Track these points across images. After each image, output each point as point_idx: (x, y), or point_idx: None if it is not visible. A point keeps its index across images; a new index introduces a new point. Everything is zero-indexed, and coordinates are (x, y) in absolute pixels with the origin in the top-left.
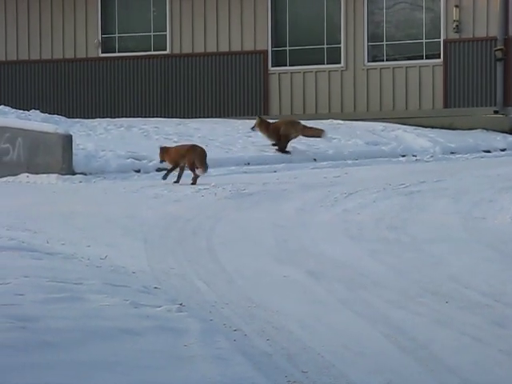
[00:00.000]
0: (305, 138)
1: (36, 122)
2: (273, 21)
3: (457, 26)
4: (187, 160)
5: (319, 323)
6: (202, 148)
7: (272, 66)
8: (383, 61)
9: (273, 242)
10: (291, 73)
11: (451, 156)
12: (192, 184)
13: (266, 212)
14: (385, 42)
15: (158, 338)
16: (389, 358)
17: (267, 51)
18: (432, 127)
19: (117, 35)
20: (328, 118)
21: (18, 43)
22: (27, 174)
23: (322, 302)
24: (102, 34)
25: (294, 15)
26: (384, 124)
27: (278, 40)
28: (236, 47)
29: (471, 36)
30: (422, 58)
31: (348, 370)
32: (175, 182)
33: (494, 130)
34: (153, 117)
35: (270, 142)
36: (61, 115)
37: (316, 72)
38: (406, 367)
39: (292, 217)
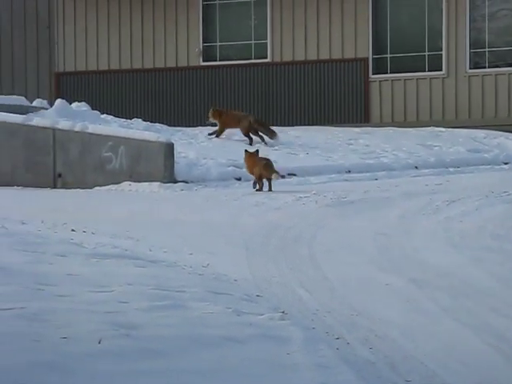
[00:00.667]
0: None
1: (138, 130)
2: (374, 28)
3: None
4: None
5: (422, 331)
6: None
7: (373, 74)
8: (485, 68)
9: (374, 249)
10: (392, 80)
11: None
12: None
13: (368, 220)
14: (487, 49)
15: (260, 345)
16: (493, 368)
17: (368, 58)
18: None
19: (218, 44)
20: (429, 126)
21: (121, 53)
22: (129, 183)
23: (425, 310)
24: (203, 43)
25: (395, 22)
26: (486, 131)
27: (378, 47)
28: (337, 55)
29: None
30: None
31: (451, 380)
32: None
33: None
34: None
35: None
36: (162, 123)
37: (417, 79)
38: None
39: (393, 224)
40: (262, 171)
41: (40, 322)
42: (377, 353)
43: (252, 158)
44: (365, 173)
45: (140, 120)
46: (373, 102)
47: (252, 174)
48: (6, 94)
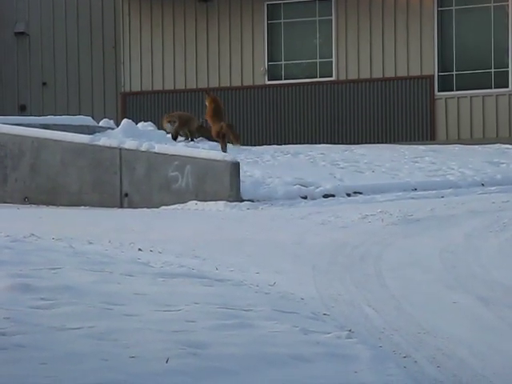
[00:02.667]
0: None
1: (204, 149)
2: (439, 45)
3: None
4: None
5: (491, 350)
6: None
7: (438, 91)
8: None
9: (441, 267)
10: (458, 97)
11: None
12: None
13: (434, 238)
14: None
15: (328, 364)
16: None
17: (433, 76)
18: None
19: (283, 62)
20: (495, 143)
21: (186, 72)
22: (195, 202)
23: (493, 328)
24: (268, 62)
25: (461, 39)
26: None
27: (444, 64)
28: (402, 72)
29: None
30: None
31: None
32: None
33: None
34: (319, 143)
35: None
36: (228, 142)
37: (483, 96)
38: None
39: (460, 242)
40: None
41: (108, 341)
42: (445, 371)
43: None
44: (431, 190)
45: (206, 139)
46: (439, 119)
47: None
48: (72, 114)
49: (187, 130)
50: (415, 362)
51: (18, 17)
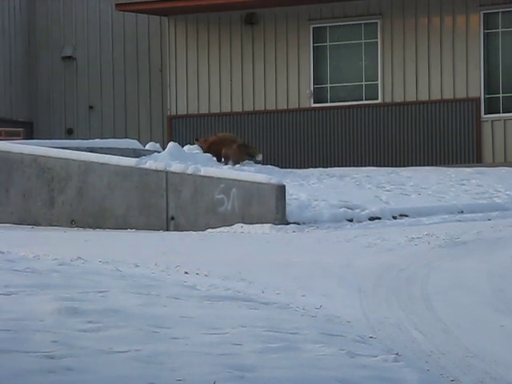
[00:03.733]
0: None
1: (250, 172)
2: (485, 67)
3: None
4: None
5: None
6: None
7: (485, 114)
8: None
9: (489, 290)
10: (505, 120)
11: None
12: None
13: (481, 261)
14: None
15: None
16: None
17: (480, 98)
18: None
19: (329, 85)
20: None
21: (232, 95)
22: (241, 225)
23: None
24: (314, 85)
25: (507, 61)
26: None
27: (491, 86)
28: (448, 95)
29: None
30: None
31: None
32: None
33: None
34: (365, 166)
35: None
36: (274, 165)
37: None
38: None
39: (508, 265)
40: None
41: (155, 364)
42: None
43: None
44: (477, 213)
45: (252, 162)
46: (485, 141)
47: None
48: (119, 138)
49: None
50: None
51: (65, 41)
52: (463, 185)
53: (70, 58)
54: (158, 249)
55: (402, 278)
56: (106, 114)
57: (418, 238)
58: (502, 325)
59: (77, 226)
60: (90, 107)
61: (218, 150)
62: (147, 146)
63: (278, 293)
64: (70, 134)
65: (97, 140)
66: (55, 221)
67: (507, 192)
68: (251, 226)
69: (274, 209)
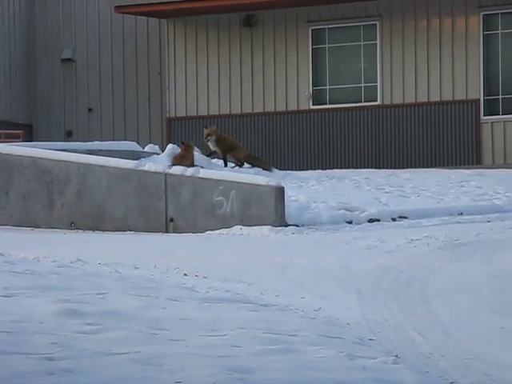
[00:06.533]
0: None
1: (249, 174)
2: (485, 69)
3: None
4: None
5: None
6: None
7: (484, 115)
8: None
9: (488, 292)
10: (504, 121)
11: None
12: None
13: (481, 262)
14: None
15: None
16: None
17: (479, 100)
18: None
19: (328, 87)
20: None
21: (231, 98)
22: (240, 227)
23: None
24: (313, 87)
25: (507, 63)
26: None
27: (490, 88)
28: (447, 96)
29: None
30: None
31: None
32: None
33: None
34: (364, 168)
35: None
36: (273, 167)
37: None
38: None
39: (508, 267)
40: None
41: (154, 366)
42: None
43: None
44: (477, 215)
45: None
46: (484, 143)
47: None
48: (118, 140)
49: (233, 157)
50: None
51: (64, 43)
52: (463, 186)
53: (69, 60)
54: (157, 251)
55: (402, 280)
56: (105, 116)
57: (417, 239)
58: (502, 327)
59: (76, 228)
60: (89, 109)
61: (227, 147)
62: (146, 148)
63: (277, 295)
64: (69, 136)
65: (96, 142)
66: (55, 223)
67: (507, 194)
68: (250, 227)
69: (273, 211)
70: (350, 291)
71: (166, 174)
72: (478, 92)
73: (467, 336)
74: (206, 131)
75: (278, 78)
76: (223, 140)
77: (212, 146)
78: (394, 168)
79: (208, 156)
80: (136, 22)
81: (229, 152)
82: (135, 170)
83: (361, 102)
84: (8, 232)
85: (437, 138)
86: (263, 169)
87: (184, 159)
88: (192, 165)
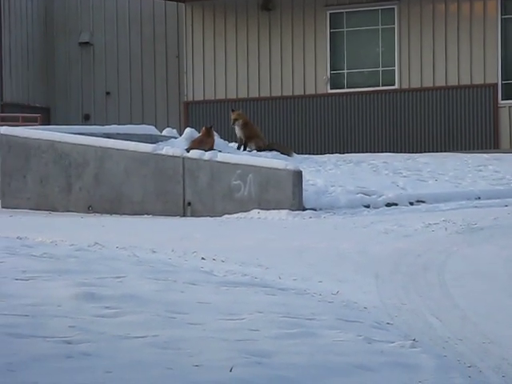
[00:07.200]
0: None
1: (266, 158)
2: (503, 53)
3: None
4: None
5: None
6: None
7: (502, 100)
8: None
9: (506, 276)
10: None
11: None
12: None
13: (499, 246)
14: None
15: (392, 373)
16: None
17: (497, 84)
18: None
19: (345, 71)
20: None
21: (249, 81)
22: (258, 210)
23: None
24: (330, 71)
25: None
26: None
27: (508, 72)
28: (465, 81)
29: None
30: None
31: None
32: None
33: None
34: (382, 152)
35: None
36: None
37: None
38: None
39: None
40: None
41: (172, 349)
42: (510, 381)
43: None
44: (495, 199)
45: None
46: (502, 127)
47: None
48: (136, 123)
49: (255, 145)
50: (480, 371)
51: (82, 27)
52: (480, 171)
53: (87, 43)
54: (175, 234)
55: (419, 264)
56: (123, 100)
57: (434, 224)
58: None
59: (94, 212)
60: (107, 93)
61: (251, 134)
62: (164, 132)
63: (295, 279)
64: (86, 119)
65: (114, 126)
66: (72, 207)
67: None
68: (268, 211)
69: (290, 195)
70: (368, 275)
71: (183, 158)
72: (495, 76)
73: (485, 320)
74: (233, 115)
75: (296, 62)
76: (250, 126)
77: (237, 130)
78: (412, 152)
79: (238, 148)
80: (154, 5)
81: (252, 139)
82: (153, 154)
83: (379, 86)
84: (26, 216)
85: (454, 122)
86: (283, 153)
87: (202, 144)
88: (211, 149)
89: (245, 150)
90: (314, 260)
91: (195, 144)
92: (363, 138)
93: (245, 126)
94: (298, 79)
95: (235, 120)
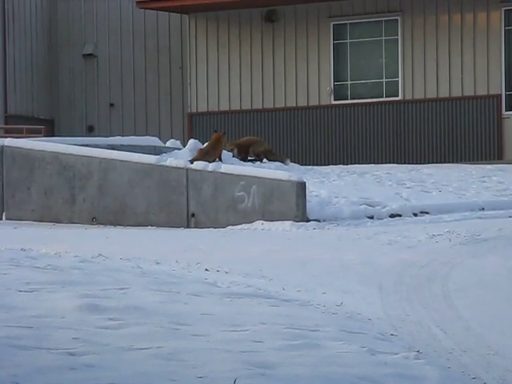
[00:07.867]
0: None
1: (270, 169)
2: (506, 64)
3: None
4: None
5: None
6: None
7: (506, 110)
8: None
9: (510, 287)
10: None
11: None
12: None
13: (502, 258)
14: None
15: None
16: None
17: (501, 95)
18: None
19: (349, 82)
20: None
21: (252, 93)
22: (262, 222)
23: None
24: (334, 82)
25: None
26: None
27: (511, 83)
28: (469, 92)
29: None
30: None
31: None
32: None
33: None
34: (385, 163)
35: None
36: (294, 162)
37: None
38: None
39: None
40: None
41: (176, 361)
42: None
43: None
44: (499, 210)
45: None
46: (506, 138)
47: None
48: (139, 135)
49: (252, 153)
50: (484, 383)
51: (86, 39)
52: (484, 182)
53: (90, 55)
54: (179, 246)
55: (423, 276)
56: (127, 112)
57: (438, 235)
58: None
59: (98, 223)
60: (111, 104)
61: (246, 149)
62: (168, 144)
63: (299, 290)
64: (90, 131)
65: (117, 137)
66: (76, 218)
67: None
68: (272, 223)
69: (294, 206)
70: (372, 286)
71: (187, 169)
72: (499, 87)
73: (489, 331)
74: (227, 145)
75: (300, 73)
76: (241, 146)
77: (236, 155)
78: (416, 163)
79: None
80: (157, 17)
81: (247, 150)
82: (157, 165)
83: (382, 97)
84: (30, 227)
85: (458, 133)
86: (279, 161)
87: (207, 156)
88: (217, 160)
89: (245, 160)
90: (318, 271)
91: (200, 155)
92: (367, 149)
93: (239, 150)
94: (301, 90)
95: (230, 150)
